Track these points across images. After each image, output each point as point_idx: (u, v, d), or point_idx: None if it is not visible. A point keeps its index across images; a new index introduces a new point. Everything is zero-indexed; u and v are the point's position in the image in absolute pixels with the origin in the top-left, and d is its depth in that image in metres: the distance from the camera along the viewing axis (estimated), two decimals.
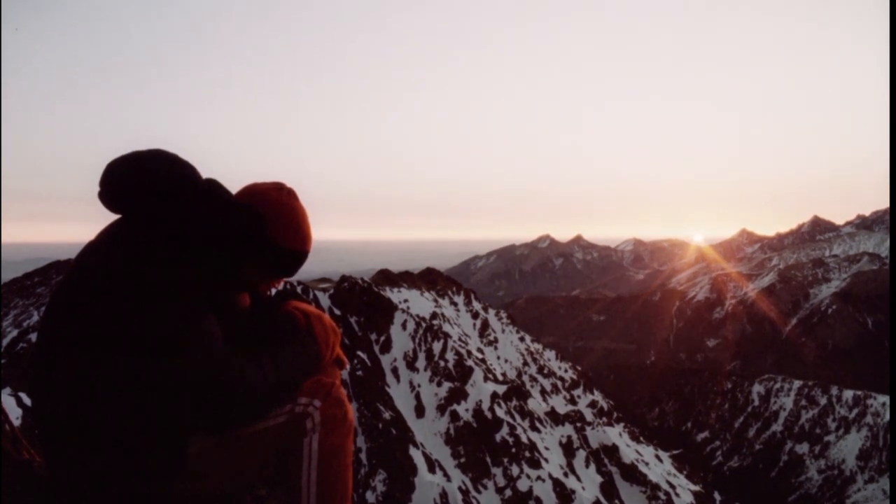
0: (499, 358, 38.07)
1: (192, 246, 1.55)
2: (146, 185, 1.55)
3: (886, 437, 46.18)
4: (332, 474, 1.68)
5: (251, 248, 1.66)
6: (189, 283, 1.47)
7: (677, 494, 31.13)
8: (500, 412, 28.22)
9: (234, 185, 1.77)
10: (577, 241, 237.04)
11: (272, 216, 1.66)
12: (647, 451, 36.42)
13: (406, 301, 36.04)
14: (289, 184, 1.77)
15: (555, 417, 32.22)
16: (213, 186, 1.66)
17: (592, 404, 39.88)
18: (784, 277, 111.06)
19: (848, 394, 52.22)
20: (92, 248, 1.53)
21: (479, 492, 24.90)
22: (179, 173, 1.60)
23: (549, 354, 43.85)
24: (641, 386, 69.90)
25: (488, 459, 26.27)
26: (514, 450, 26.61)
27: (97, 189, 1.57)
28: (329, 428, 1.67)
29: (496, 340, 40.03)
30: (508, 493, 25.07)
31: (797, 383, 56.88)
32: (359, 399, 25.02)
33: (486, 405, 28.09)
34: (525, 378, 37.41)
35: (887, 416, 47.01)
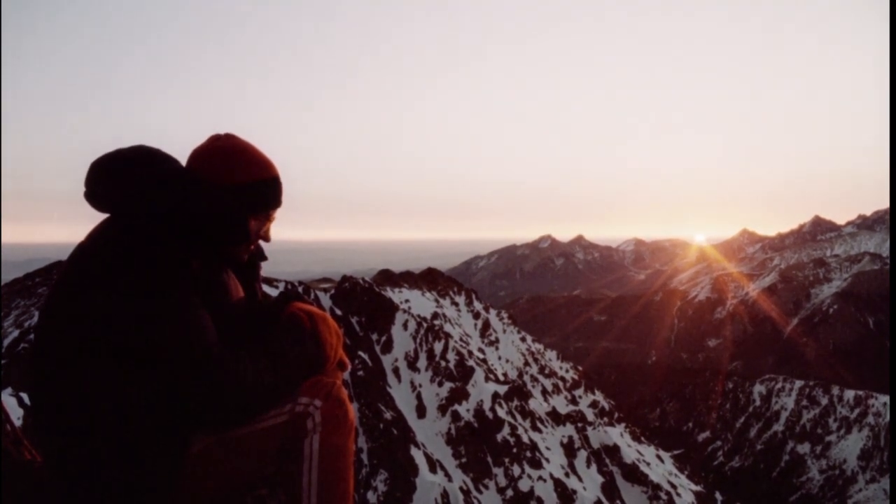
0: (500, 358, 38.02)
1: (182, 241, 1.53)
2: (130, 182, 1.54)
3: (887, 437, 46.11)
4: (333, 474, 1.67)
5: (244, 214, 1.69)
6: (180, 279, 1.46)
7: (678, 494, 31.08)
8: (502, 412, 28.19)
9: None
10: (579, 241, 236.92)
11: (227, 163, 1.66)
12: (649, 452, 36.34)
13: (407, 301, 36.02)
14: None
15: (556, 417, 32.18)
16: (198, 179, 1.65)
17: (594, 404, 39.82)
18: (785, 277, 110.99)
19: (849, 394, 52.15)
20: (82, 250, 1.53)
21: (480, 492, 24.88)
22: (162, 168, 1.59)
23: (551, 354, 43.79)
24: (643, 386, 69.86)
25: (489, 459, 26.25)
26: (515, 450, 26.59)
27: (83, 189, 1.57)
28: (330, 428, 1.66)
29: (497, 341, 39.98)
30: (510, 493, 25.05)
31: (798, 383, 56.79)
32: (360, 399, 25.01)
33: (487, 405, 28.06)
34: (526, 378, 37.36)
35: (888, 417, 46.93)
